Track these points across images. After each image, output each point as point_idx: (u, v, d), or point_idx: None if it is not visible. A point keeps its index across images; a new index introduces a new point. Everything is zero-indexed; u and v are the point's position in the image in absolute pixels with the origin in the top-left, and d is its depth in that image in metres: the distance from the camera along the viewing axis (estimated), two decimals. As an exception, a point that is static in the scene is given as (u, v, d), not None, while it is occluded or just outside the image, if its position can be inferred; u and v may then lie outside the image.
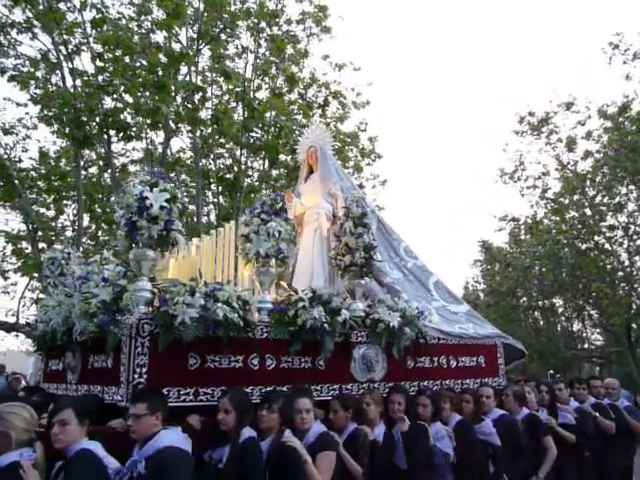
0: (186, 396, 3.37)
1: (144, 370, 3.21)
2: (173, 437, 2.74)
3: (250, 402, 3.35)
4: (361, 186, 16.39)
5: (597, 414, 5.33)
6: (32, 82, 11.83)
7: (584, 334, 22.56)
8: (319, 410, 3.77)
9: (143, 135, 13.11)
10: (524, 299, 20.37)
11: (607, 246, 17.31)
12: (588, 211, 17.25)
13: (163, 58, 11.29)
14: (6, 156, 12.37)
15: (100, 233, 14.98)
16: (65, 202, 14.32)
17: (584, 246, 17.51)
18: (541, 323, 22.20)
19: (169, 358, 3.32)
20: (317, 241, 5.50)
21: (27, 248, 13.54)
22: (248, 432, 3.11)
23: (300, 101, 14.73)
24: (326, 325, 3.93)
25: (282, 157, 13.75)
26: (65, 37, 11.43)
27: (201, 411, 3.34)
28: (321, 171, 5.87)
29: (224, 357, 3.57)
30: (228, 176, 13.58)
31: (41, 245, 12.54)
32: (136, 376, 3.17)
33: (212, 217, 14.52)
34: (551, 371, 20.97)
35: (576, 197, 17.63)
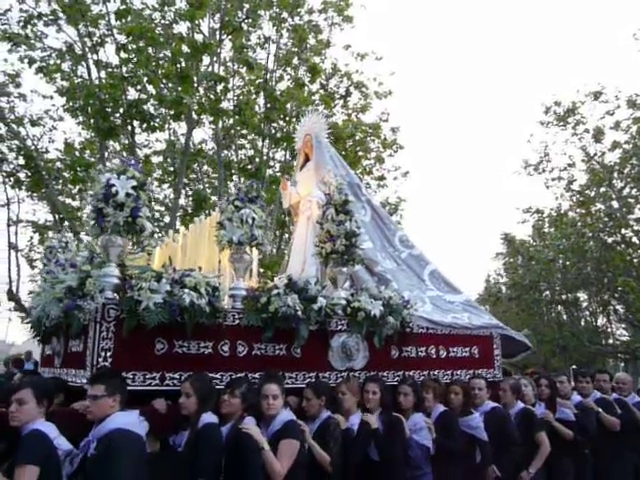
0: (152, 380, 3.39)
1: (109, 354, 3.26)
2: (125, 419, 2.75)
3: (213, 387, 3.34)
4: (382, 178, 16.31)
5: (600, 410, 5.12)
6: (58, 74, 12.01)
7: (609, 329, 22.14)
8: (293, 398, 3.74)
9: (166, 126, 13.23)
10: (547, 293, 20.04)
11: (635, 239, 16.92)
12: (615, 203, 16.84)
13: (186, 49, 11.34)
14: (33, 147, 12.61)
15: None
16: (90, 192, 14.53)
17: (610, 239, 17.13)
18: (564, 317, 21.85)
19: (135, 343, 3.35)
20: (310, 230, 5.42)
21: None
22: (208, 418, 3.10)
23: (322, 91, 14.68)
24: (299, 313, 3.88)
25: (304, 148, 13.70)
26: (90, 29, 11.58)
27: (170, 396, 3.34)
28: (316, 159, 5.80)
29: (192, 343, 3.56)
30: (250, 167, 13.63)
31: (67, 235, 12.76)
32: (100, 360, 3.22)
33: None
34: (574, 366, 20.65)
35: (603, 189, 17.22)
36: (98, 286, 3.28)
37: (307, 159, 6.04)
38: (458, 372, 5.02)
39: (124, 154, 14.01)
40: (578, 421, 4.93)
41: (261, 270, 4.41)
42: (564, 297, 19.96)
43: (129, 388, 3.07)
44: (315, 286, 4.11)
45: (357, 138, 14.92)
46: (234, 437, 3.10)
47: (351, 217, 4.61)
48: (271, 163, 14.67)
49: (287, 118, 13.22)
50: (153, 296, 3.28)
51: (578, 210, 18.28)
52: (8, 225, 14.56)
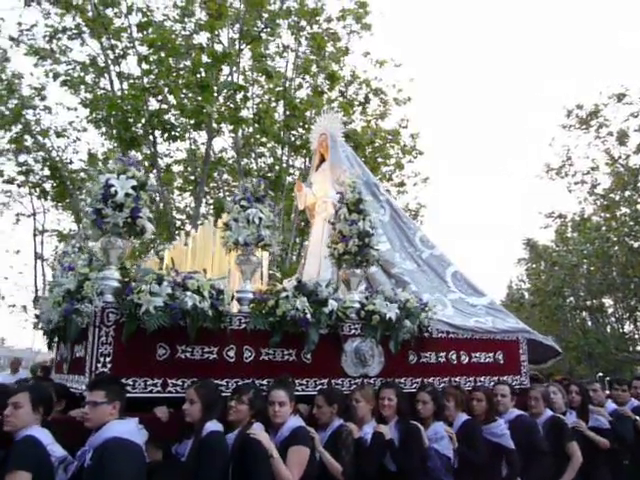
0: (153, 387, 3.28)
1: (108, 359, 3.15)
2: (122, 427, 2.63)
3: (219, 394, 3.22)
4: (402, 184, 16.26)
5: (637, 417, 4.87)
6: (82, 86, 12.28)
7: (636, 335, 21.63)
8: (303, 405, 3.60)
9: (187, 135, 13.39)
10: (571, 299, 19.69)
11: (662, 244, 16.54)
12: (641, 207, 16.53)
13: (206, 59, 11.48)
14: (58, 158, 12.88)
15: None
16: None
17: (636, 244, 16.79)
18: (589, 324, 21.42)
19: (136, 348, 3.24)
20: (326, 231, 5.23)
21: (78, 246, 14.02)
22: (213, 426, 2.98)
23: (341, 99, 14.72)
24: (309, 316, 3.70)
25: (323, 155, 13.73)
26: (112, 42, 11.84)
27: (172, 403, 3.24)
28: (331, 159, 5.70)
29: (196, 348, 3.43)
30: (270, 175, 13.70)
31: (91, 244, 12.96)
32: (99, 365, 3.12)
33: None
34: (600, 374, 20.20)
35: (628, 193, 16.90)
36: (97, 289, 3.18)
37: (323, 159, 5.95)
38: (481, 379, 4.78)
39: (146, 164, 14.21)
40: (614, 429, 4.69)
41: (271, 272, 4.25)
42: (589, 303, 19.60)
43: (129, 395, 2.98)
44: (326, 288, 3.94)
45: (376, 145, 14.92)
46: (241, 444, 2.96)
47: (365, 216, 4.39)
48: (291, 170, 14.72)
49: (306, 126, 13.24)
50: (153, 299, 3.16)
51: (602, 214, 17.97)
52: (34, 235, 14.88)
